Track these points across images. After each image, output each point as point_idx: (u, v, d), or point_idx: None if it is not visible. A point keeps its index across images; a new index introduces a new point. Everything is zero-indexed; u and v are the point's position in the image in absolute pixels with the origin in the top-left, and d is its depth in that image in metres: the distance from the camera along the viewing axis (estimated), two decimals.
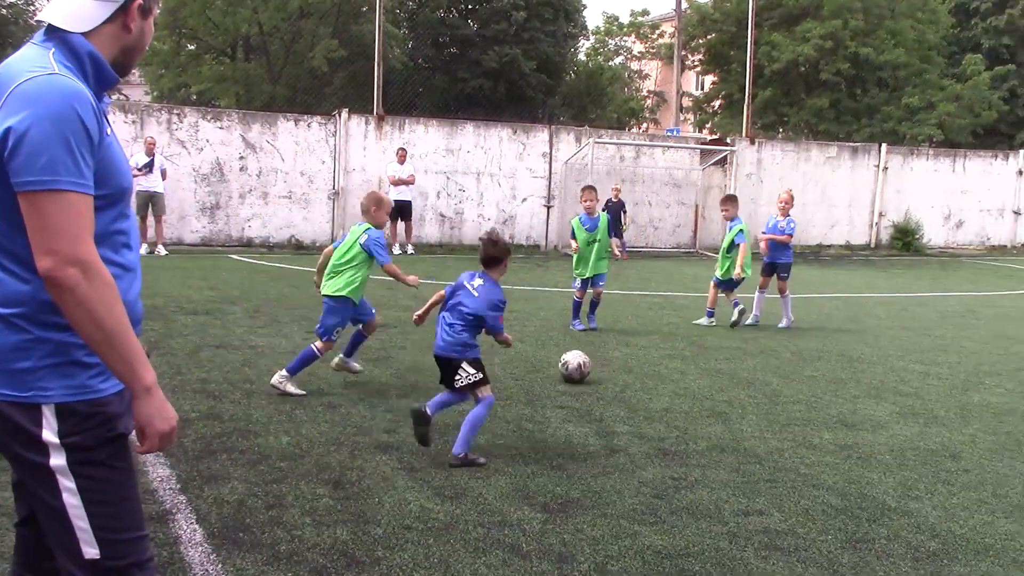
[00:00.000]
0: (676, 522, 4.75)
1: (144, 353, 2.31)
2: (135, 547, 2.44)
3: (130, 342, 2.25)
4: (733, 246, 11.30)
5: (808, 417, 7.03)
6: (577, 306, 10.72)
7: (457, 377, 5.74)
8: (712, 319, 11.43)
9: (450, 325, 5.85)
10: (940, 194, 26.25)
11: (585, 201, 10.70)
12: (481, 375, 5.76)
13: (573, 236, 10.76)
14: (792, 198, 11.98)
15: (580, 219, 10.68)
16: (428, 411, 5.67)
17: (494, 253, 6.14)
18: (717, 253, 12.35)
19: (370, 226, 7.54)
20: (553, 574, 4.09)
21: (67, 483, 2.31)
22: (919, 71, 31.02)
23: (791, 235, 11.69)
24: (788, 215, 11.76)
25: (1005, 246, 27.07)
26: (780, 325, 11.44)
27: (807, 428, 6.70)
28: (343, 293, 7.32)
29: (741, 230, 11.31)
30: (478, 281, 6.05)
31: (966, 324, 12.36)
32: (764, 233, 11.87)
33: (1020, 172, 27.01)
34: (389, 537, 4.40)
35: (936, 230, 26.16)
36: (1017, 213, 27.13)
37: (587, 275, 10.56)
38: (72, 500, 2.32)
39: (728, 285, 11.42)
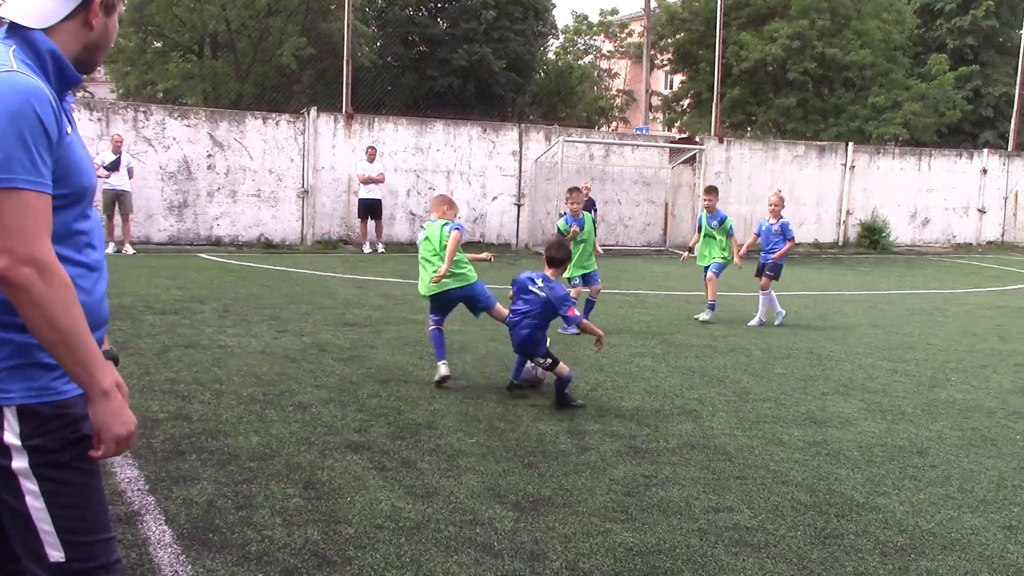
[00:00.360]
0: (647, 519, 4.76)
1: (101, 355, 2.27)
2: (101, 549, 2.41)
3: (87, 344, 2.22)
4: (712, 236, 11.76)
5: (777, 414, 7.07)
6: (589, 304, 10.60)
7: (535, 363, 7.10)
8: (714, 312, 11.56)
9: (516, 324, 7.09)
10: (906, 192, 26.54)
11: (571, 203, 10.61)
12: (551, 360, 6.95)
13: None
14: (782, 200, 12.22)
15: (566, 219, 10.63)
16: (515, 380, 7.22)
17: (560, 255, 7.31)
18: (687, 251, 12.46)
19: (446, 220, 7.79)
20: (525, 572, 4.09)
21: (30, 486, 2.28)
22: (885, 71, 31.37)
23: (792, 239, 11.99)
24: (780, 217, 11.95)
25: (970, 244, 27.42)
26: (751, 323, 11.53)
27: (776, 425, 6.75)
28: (472, 274, 7.69)
29: (731, 224, 11.88)
30: (540, 282, 7.14)
31: (933, 321, 12.50)
32: (763, 241, 11.97)
33: (984, 171, 27.37)
34: (360, 537, 4.38)
35: (903, 228, 26.45)
36: (982, 211, 27.48)
37: (577, 275, 10.53)
38: (35, 503, 2.29)
39: (718, 268, 11.70)
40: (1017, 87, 30.03)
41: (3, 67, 2.19)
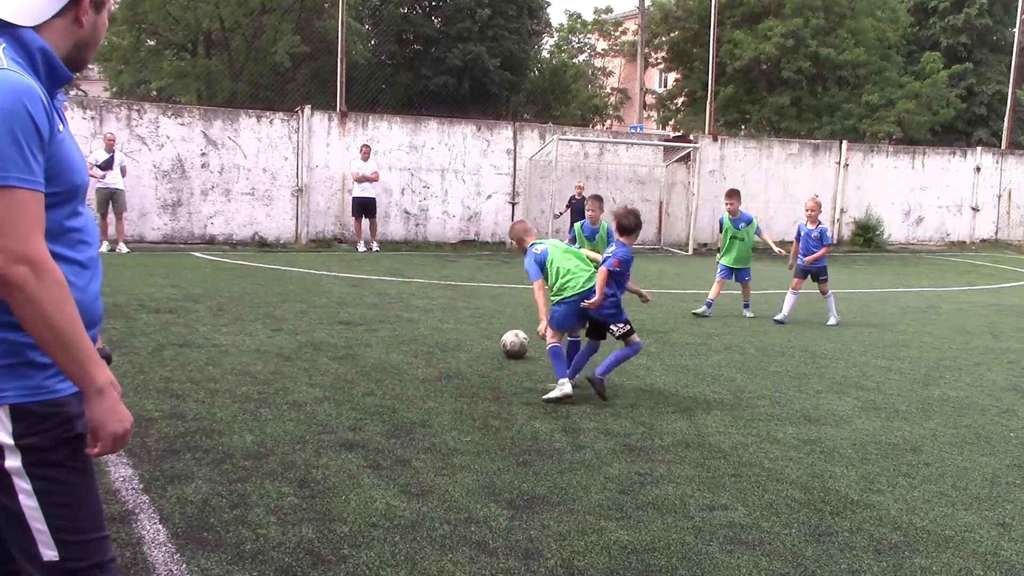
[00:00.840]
0: (642, 517, 4.77)
1: (96, 353, 2.27)
2: (96, 548, 2.40)
3: (81, 342, 2.21)
4: (735, 237, 12.17)
5: (772, 412, 7.08)
6: None
7: (610, 331, 7.35)
8: (709, 310, 11.86)
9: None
10: (900, 191, 26.57)
11: (590, 211, 10.45)
12: (629, 327, 7.31)
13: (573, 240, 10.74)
14: (818, 205, 12.34)
15: (582, 225, 10.58)
16: (599, 375, 7.18)
17: (629, 223, 7.42)
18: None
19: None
20: (520, 570, 4.09)
21: (23, 484, 2.27)
22: (879, 69, 31.40)
23: (829, 245, 12.12)
24: (819, 223, 12.10)
25: (964, 242, 27.46)
26: (829, 323, 11.75)
27: (771, 423, 6.76)
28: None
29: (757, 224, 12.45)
30: (612, 247, 7.49)
31: (926, 319, 12.53)
32: (801, 247, 12.09)
33: (978, 169, 27.41)
34: (355, 535, 4.38)
35: (896, 226, 26.48)
36: (975, 209, 27.53)
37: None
38: (28, 502, 2.29)
39: (742, 275, 12.15)
40: (1010, 85, 30.09)
41: None
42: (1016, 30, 30.66)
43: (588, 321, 7.48)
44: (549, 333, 7.35)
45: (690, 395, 7.54)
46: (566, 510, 4.82)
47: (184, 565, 3.98)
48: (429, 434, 6.09)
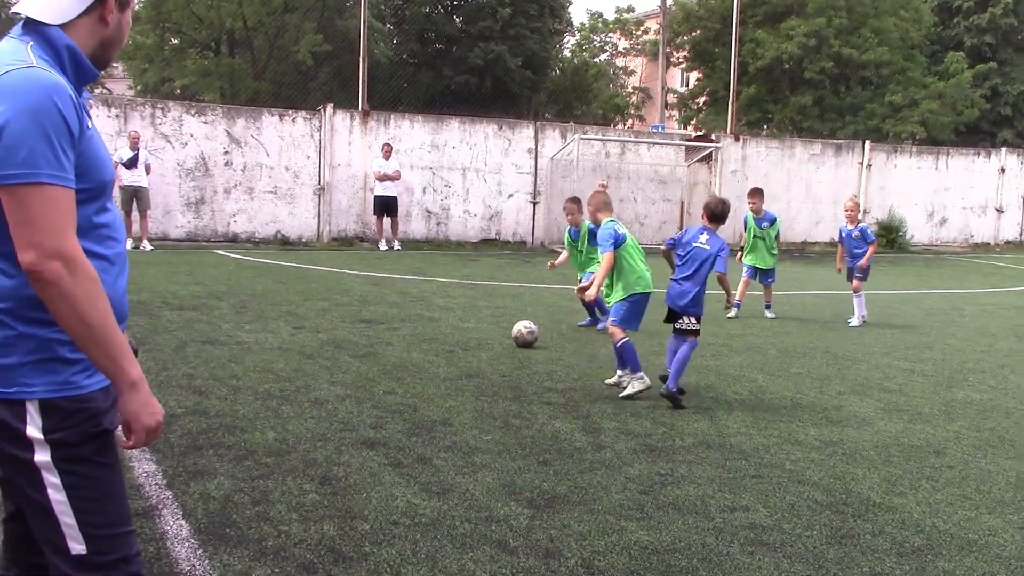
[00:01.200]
0: (662, 518, 4.76)
1: (129, 348, 2.29)
2: (122, 542, 2.43)
3: (115, 337, 2.24)
4: (758, 237, 12.10)
5: (794, 414, 7.06)
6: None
7: (680, 323, 7.37)
8: (738, 310, 11.75)
9: (682, 280, 7.38)
10: (923, 191, 26.39)
11: (567, 215, 10.58)
12: (698, 326, 7.38)
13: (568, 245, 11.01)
14: (857, 205, 12.34)
15: (568, 232, 10.77)
16: (672, 388, 7.08)
17: (720, 211, 7.51)
18: (739, 252, 12.38)
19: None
20: (540, 569, 4.09)
21: (52, 479, 2.30)
22: (902, 69, 31.18)
23: (873, 242, 12.05)
24: (858, 222, 12.10)
25: (988, 243, 27.24)
26: (851, 323, 11.69)
27: (793, 424, 6.73)
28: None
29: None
30: (704, 236, 7.43)
31: (950, 321, 12.44)
32: (845, 248, 12.10)
33: (1002, 170, 27.18)
34: (376, 532, 4.39)
35: (920, 227, 26.30)
36: (1000, 210, 27.30)
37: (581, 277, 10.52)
38: (57, 496, 2.31)
39: (765, 277, 12.10)
40: None
41: (23, 63, 2.21)
42: None
43: (668, 311, 7.56)
44: (617, 331, 7.44)
45: (711, 396, 7.52)
46: (586, 510, 4.82)
47: (207, 561, 4.01)
48: (450, 432, 6.10)
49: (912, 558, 4.40)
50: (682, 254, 7.50)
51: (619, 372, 7.62)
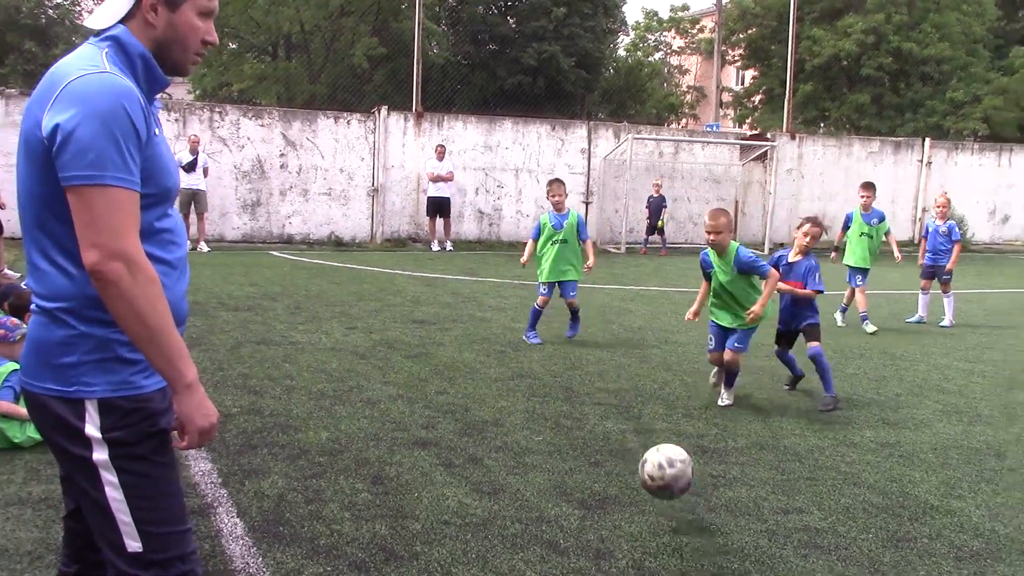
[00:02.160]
0: (714, 520, 4.73)
1: (186, 349, 2.34)
2: (177, 540, 2.46)
3: (172, 338, 2.28)
4: (865, 234, 11.33)
5: (849, 415, 6.96)
6: (535, 314, 9.49)
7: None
8: (867, 322, 11.05)
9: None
10: (985, 189, 25.83)
11: (552, 196, 9.50)
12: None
13: (537, 235, 9.59)
14: (949, 201, 11.98)
15: (549, 215, 9.55)
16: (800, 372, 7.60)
17: (819, 232, 7.49)
18: (834, 251, 11.94)
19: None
20: (591, 570, 4.09)
21: (109, 477, 2.35)
22: (964, 64, 30.57)
23: (959, 240, 11.70)
24: (948, 219, 11.80)
25: None
26: (942, 324, 11.48)
27: (848, 426, 6.64)
28: None
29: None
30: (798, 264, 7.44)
31: (1012, 321, 12.16)
32: (929, 244, 11.79)
33: None
34: (427, 532, 4.42)
35: (981, 225, 25.74)
36: None
37: (549, 279, 9.45)
38: (114, 494, 2.36)
39: (863, 274, 11.26)
40: None
41: (96, 68, 2.26)
42: None
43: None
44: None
45: (765, 397, 7.44)
46: (637, 511, 4.80)
47: (260, 559, 4.07)
48: (501, 433, 6.12)
49: (971, 562, 4.32)
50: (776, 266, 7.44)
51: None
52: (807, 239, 7.51)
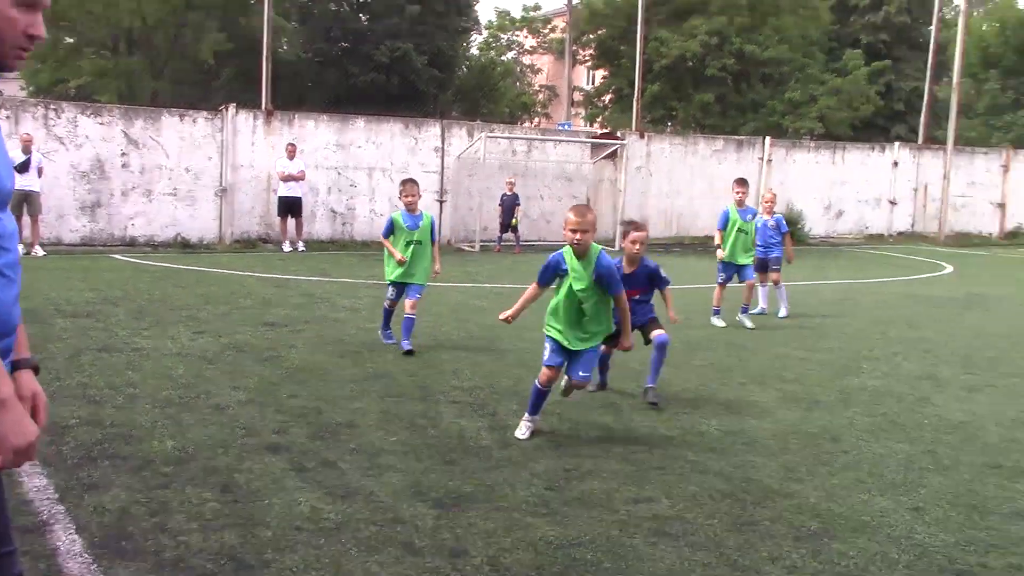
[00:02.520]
0: (568, 512, 4.80)
1: (2, 366, 2.20)
2: (3, 563, 2.33)
3: None
4: (741, 230, 11.37)
5: (696, 405, 7.18)
6: (387, 314, 9.28)
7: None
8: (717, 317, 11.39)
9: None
10: (821, 185, 27.12)
11: (406, 196, 9.06)
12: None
13: (389, 233, 9.15)
14: (775, 197, 12.56)
15: (402, 215, 9.09)
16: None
17: (645, 236, 7.28)
18: (718, 248, 11.77)
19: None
20: (446, 569, 4.08)
21: None
22: (801, 66, 32.03)
23: (787, 232, 12.32)
24: (774, 213, 12.34)
25: (882, 235, 28.11)
26: (780, 315, 11.93)
27: (695, 416, 6.85)
28: None
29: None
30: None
31: (845, 311, 12.82)
32: (759, 238, 12.00)
33: (895, 163, 28.08)
34: (279, 539, 4.33)
35: (817, 220, 26.99)
36: (892, 203, 28.20)
37: (397, 280, 9.08)
38: None
39: (746, 273, 11.33)
40: (927, 82, 30.92)
41: None
42: (932, 28, 31.51)
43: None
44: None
45: (617, 389, 7.60)
46: (492, 508, 4.83)
47: (101, 575, 3.89)
48: (355, 435, 6.05)
49: (808, 541, 4.52)
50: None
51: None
52: (636, 247, 7.19)
